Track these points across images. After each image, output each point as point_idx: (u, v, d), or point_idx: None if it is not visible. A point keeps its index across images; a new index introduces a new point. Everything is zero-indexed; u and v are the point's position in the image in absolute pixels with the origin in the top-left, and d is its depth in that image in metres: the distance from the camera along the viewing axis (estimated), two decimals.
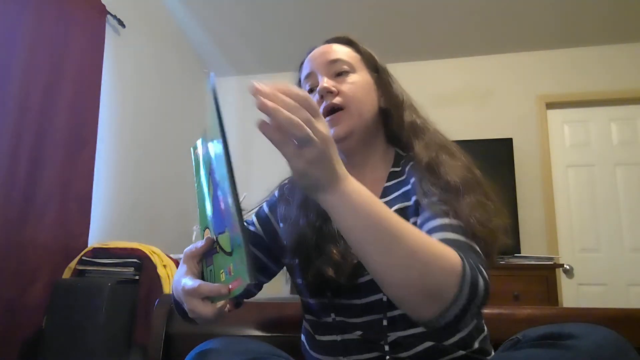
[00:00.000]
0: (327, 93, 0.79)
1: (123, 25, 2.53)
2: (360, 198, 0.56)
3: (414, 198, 0.74)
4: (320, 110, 0.78)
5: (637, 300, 2.76)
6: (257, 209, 0.93)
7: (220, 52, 3.44)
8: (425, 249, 0.54)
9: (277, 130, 0.51)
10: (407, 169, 0.81)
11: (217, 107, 0.55)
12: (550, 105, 3.11)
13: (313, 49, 0.89)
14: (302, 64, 0.90)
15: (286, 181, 0.93)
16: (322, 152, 0.52)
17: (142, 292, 1.86)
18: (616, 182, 2.96)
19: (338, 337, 0.74)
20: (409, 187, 0.77)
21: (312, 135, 0.50)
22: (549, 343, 0.52)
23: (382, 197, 0.78)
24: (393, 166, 0.84)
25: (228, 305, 0.63)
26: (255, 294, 0.89)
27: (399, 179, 0.80)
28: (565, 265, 2.85)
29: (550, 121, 3.11)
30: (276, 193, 0.93)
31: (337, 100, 0.79)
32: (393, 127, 0.86)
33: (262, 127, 0.52)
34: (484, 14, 2.85)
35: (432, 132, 0.83)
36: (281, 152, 0.53)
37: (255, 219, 0.91)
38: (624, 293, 2.81)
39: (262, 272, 0.87)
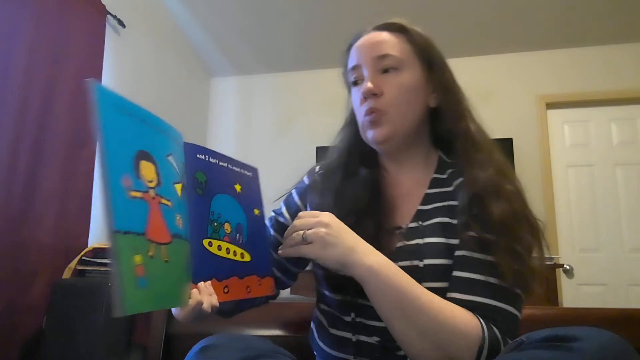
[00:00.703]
0: (370, 95, 0.76)
1: (123, 25, 2.53)
2: (385, 271, 0.64)
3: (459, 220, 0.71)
4: (363, 111, 0.77)
5: (637, 300, 2.75)
6: (285, 196, 0.91)
7: (220, 52, 3.44)
8: (445, 323, 0.61)
9: (290, 248, 0.70)
10: (455, 182, 0.76)
11: (97, 116, 0.49)
12: (550, 105, 3.11)
13: (360, 35, 0.83)
14: (349, 47, 0.85)
15: (318, 167, 0.90)
16: (326, 237, 0.66)
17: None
18: (616, 182, 2.96)
19: (353, 337, 0.73)
20: (456, 203, 0.73)
21: (305, 235, 0.67)
22: (553, 345, 0.51)
23: (422, 203, 0.76)
24: (436, 172, 0.79)
25: (213, 303, 0.62)
26: (292, 285, 0.88)
27: (444, 189, 0.77)
28: (565, 265, 2.85)
29: (550, 121, 3.11)
30: (305, 179, 0.90)
31: (379, 104, 0.75)
32: (442, 130, 0.80)
33: (282, 252, 0.71)
34: (484, 14, 2.85)
35: (488, 146, 0.76)
36: (303, 254, 0.68)
37: (284, 209, 0.88)
38: (624, 293, 2.81)
39: (295, 264, 0.86)
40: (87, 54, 2.21)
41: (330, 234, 0.66)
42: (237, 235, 0.71)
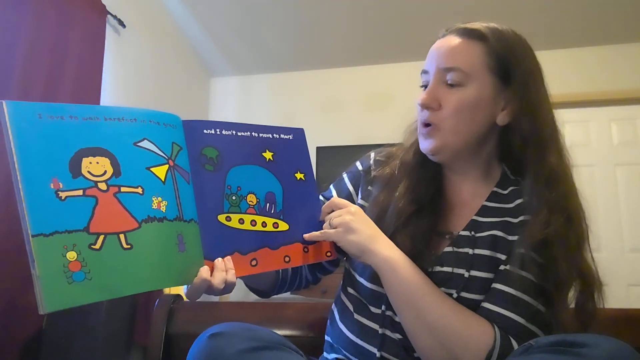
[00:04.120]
0: (426, 107, 0.73)
1: (123, 25, 2.53)
2: (401, 264, 0.67)
3: (516, 237, 0.70)
4: (420, 120, 0.76)
5: (637, 300, 2.75)
6: (336, 180, 0.90)
7: (220, 52, 3.44)
8: (452, 324, 0.63)
9: (315, 232, 0.73)
10: (517, 202, 0.74)
11: (9, 134, 0.53)
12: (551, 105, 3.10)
13: (442, 32, 0.80)
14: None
15: (374, 154, 0.88)
16: (350, 222, 0.69)
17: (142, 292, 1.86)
18: (616, 182, 2.96)
19: (380, 330, 0.73)
20: (515, 221, 0.72)
21: (331, 220, 0.71)
22: (562, 350, 0.51)
23: (478, 214, 0.75)
24: (497, 185, 0.77)
25: (228, 279, 0.63)
26: (333, 271, 0.89)
27: (503, 205, 0.75)
28: None
29: None
30: (359, 165, 0.89)
31: (433, 118, 0.73)
32: (512, 150, 0.75)
33: (307, 236, 0.73)
34: (483, 15, 2.84)
35: (564, 185, 0.71)
36: (326, 238, 0.72)
37: (334, 193, 0.87)
38: (624, 293, 2.81)
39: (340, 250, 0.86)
40: (87, 54, 2.21)
41: (355, 221, 0.69)
42: (268, 205, 0.71)
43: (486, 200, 0.76)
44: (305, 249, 0.73)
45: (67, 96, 2.07)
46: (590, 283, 0.69)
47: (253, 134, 0.72)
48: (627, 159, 2.97)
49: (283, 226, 0.72)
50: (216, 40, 3.33)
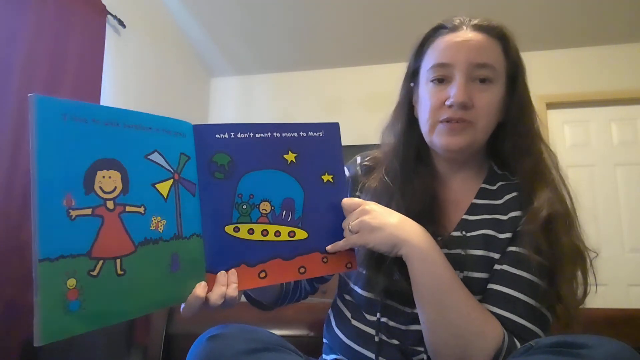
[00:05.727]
0: (462, 107, 0.70)
1: (123, 25, 2.53)
2: (431, 255, 0.64)
3: (507, 235, 0.71)
4: (441, 115, 0.72)
5: (637, 300, 2.75)
6: None
7: (220, 52, 3.44)
8: (473, 323, 0.63)
9: (340, 242, 0.68)
10: (507, 197, 0.74)
11: (34, 137, 0.47)
12: (551, 105, 3.10)
13: (453, 27, 0.76)
14: (427, 37, 0.79)
15: (359, 159, 0.87)
16: (371, 222, 0.64)
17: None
18: (616, 182, 2.95)
19: (376, 337, 0.73)
20: (505, 218, 0.72)
21: (350, 226, 0.66)
22: (563, 351, 0.51)
23: (468, 213, 0.75)
24: (485, 182, 0.77)
25: (228, 294, 0.61)
26: (329, 279, 0.87)
27: (492, 202, 0.75)
28: None
29: (550, 121, 3.10)
30: (346, 170, 0.86)
31: (468, 116, 0.70)
32: (501, 144, 0.76)
33: (331, 248, 0.68)
34: (483, 14, 2.84)
35: (554, 174, 0.73)
36: (352, 244, 0.67)
37: None
38: (624, 293, 2.80)
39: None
40: (87, 54, 2.21)
41: (375, 218, 0.65)
42: (284, 212, 0.67)
43: (475, 198, 0.76)
44: (325, 259, 0.68)
45: (67, 96, 2.07)
46: (583, 259, 0.70)
47: (275, 134, 0.67)
48: (627, 159, 2.97)
49: (301, 234, 0.67)
50: (216, 40, 3.33)
